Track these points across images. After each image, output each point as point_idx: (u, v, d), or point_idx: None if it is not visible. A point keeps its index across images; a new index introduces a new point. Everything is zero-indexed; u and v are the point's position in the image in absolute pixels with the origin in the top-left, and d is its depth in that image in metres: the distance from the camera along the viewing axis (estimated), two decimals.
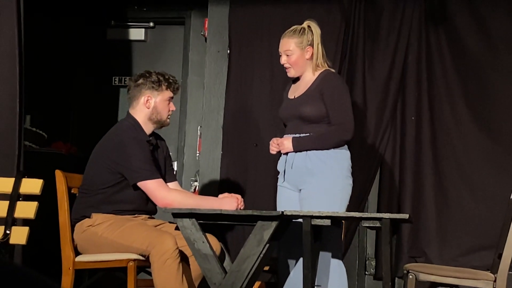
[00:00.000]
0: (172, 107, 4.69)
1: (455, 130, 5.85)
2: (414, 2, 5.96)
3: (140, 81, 4.64)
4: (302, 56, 4.69)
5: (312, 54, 4.70)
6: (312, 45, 4.69)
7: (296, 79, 4.81)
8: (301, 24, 4.74)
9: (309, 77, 4.73)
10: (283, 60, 4.73)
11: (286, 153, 4.70)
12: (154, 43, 6.81)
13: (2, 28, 4.92)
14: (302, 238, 4.06)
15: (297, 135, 4.66)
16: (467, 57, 5.88)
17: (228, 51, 6.16)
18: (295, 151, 4.65)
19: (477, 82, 5.86)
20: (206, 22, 6.28)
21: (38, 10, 6.15)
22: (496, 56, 5.84)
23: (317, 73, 4.71)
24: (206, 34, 6.27)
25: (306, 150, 4.62)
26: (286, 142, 4.67)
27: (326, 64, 4.74)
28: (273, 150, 4.73)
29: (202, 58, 6.37)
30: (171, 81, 4.66)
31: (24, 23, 4.98)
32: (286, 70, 4.76)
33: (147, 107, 4.61)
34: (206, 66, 6.23)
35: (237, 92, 6.10)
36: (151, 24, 6.79)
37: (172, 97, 4.68)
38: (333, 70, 4.78)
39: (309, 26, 4.71)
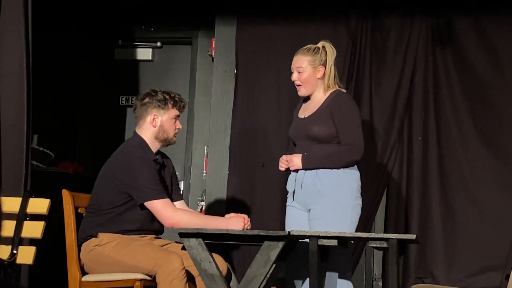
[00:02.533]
0: (179, 125, 4.69)
1: (462, 150, 5.84)
2: (421, 22, 5.96)
3: (146, 100, 4.64)
4: (313, 74, 4.69)
5: (324, 74, 4.70)
6: (324, 65, 4.69)
7: (306, 99, 4.81)
8: (309, 44, 4.75)
9: (319, 97, 4.73)
10: (294, 76, 4.73)
11: (296, 171, 4.69)
12: (161, 63, 6.82)
13: (11, 48, 4.93)
14: (309, 258, 4.04)
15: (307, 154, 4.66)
16: (474, 77, 5.87)
17: (235, 71, 6.17)
18: (304, 168, 4.64)
19: (484, 102, 5.85)
20: (213, 42, 6.30)
21: (46, 30, 6.17)
22: (503, 76, 5.84)
23: (328, 93, 4.71)
24: (213, 54, 6.28)
25: (316, 169, 4.61)
26: (295, 159, 4.66)
27: (337, 85, 4.74)
28: (282, 166, 4.72)
29: (209, 78, 6.38)
30: (177, 99, 4.66)
31: (32, 42, 5.00)
32: (297, 88, 4.76)
33: (153, 125, 4.62)
34: (213, 86, 6.24)
35: (244, 112, 6.11)
36: (159, 44, 6.81)
37: (178, 115, 4.68)
38: (344, 91, 4.79)
39: (323, 47, 4.72)
